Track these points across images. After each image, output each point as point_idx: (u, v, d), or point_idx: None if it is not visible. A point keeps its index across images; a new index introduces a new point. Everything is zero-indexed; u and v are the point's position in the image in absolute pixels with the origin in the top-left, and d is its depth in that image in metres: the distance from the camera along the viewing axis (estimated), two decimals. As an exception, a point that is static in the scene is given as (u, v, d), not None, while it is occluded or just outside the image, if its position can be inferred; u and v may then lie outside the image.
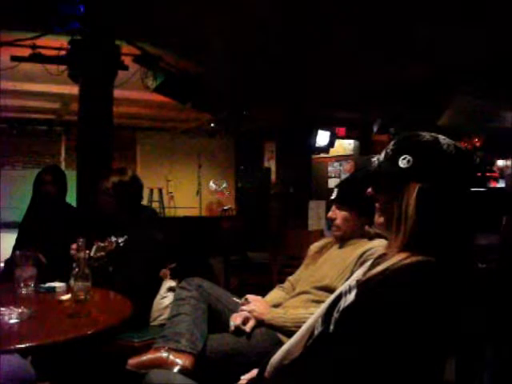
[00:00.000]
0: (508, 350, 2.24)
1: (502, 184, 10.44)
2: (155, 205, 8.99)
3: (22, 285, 2.01)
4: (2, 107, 6.93)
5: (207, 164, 10.01)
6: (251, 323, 1.90)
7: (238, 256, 5.64)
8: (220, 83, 6.28)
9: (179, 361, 1.75)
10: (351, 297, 1.10)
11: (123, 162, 8.31)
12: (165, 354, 1.78)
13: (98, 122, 4.50)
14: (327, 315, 1.15)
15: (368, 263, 1.21)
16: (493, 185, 10.34)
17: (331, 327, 1.11)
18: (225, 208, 8.81)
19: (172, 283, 2.57)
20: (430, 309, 1.01)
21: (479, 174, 8.97)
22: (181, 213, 9.08)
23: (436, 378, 1.07)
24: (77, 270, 1.84)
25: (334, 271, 1.96)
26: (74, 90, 4.85)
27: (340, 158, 10.36)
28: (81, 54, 4.40)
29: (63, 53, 4.55)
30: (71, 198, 3.65)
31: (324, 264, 2.06)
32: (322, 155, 9.68)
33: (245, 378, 1.41)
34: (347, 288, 1.15)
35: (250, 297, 2.03)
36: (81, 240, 1.90)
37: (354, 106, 7.70)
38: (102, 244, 2.49)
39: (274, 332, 1.88)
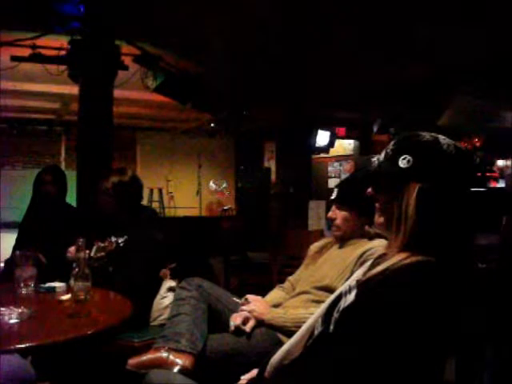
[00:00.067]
0: (508, 349, 2.24)
1: (502, 184, 10.44)
2: (155, 205, 8.99)
3: (22, 285, 2.01)
4: (2, 107, 6.93)
5: (207, 164, 10.02)
6: (251, 323, 1.90)
7: (238, 256, 5.64)
8: (220, 83, 6.28)
9: (179, 361, 1.75)
10: (351, 297, 1.10)
11: (123, 162, 8.31)
12: (165, 354, 1.78)
13: (98, 122, 4.50)
14: (327, 315, 1.15)
15: (368, 263, 1.21)
16: (493, 185, 10.34)
17: (331, 327, 1.11)
18: (225, 208, 8.81)
19: (172, 283, 2.57)
20: (429, 309, 1.01)
21: (479, 174, 8.97)
22: (181, 213, 9.08)
23: (436, 377, 1.07)
24: (77, 269, 1.84)
25: (334, 271, 1.96)
26: (74, 90, 4.85)
27: (340, 158, 10.36)
28: (81, 54, 4.40)
29: (63, 53, 4.55)
30: (71, 198, 3.65)
31: (324, 264, 2.06)
32: (322, 155, 9.68)
33: (245, 378, 1.41)
34: (347, 288, 1.15)
35: (249, 297, 2.03)
36: (81, 240, 1.90)
37: (353, 106, 7.70)
38: (102, 244, 2.49)
39: (274, 332, 1.88)
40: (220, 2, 4.02)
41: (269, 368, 1.27)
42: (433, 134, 1.15)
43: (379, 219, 1.17)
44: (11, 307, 1.72)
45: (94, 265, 2.36)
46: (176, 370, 1.72)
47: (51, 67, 4.76)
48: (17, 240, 3.24)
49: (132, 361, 1.80)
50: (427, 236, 1.07)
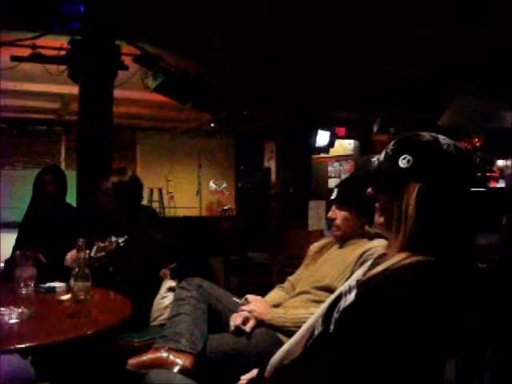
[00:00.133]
0: (508, 349, 2.24)
1: (502, 184, 10.44)
2: (155, 205, 8.99)
3: (22, 285, 2.01)
4: (2, 107, 6.93)
5: (207, 164, 10.02)
6: (251, 323, 1.90)
7: (238, 256, 5.64)
8: (220, 83, 6.28)
9: (179, 361, 1.75)
10: (351, 297, 1.10)
11: (123, 162, 8.31)
12: (165, 354, 1.78)
13: (98, 122, 4.50)
14: (327, 315, 1.15)
15: (368, 263, 1.21)
16: (493, 185, 10.34)
17: (331, 327, 1.11)
18: (225, 208, 8.81)
19: (172, 283, 2.57)
20: (429, 309, 1.01)
21: (479, 174, 8.97)
22: (181, 213, 9.08)
23: (436, 377, 1.07)
24: (77, 269, 1.84)
25: (334, 271, 1.96)
26: (74, 89, 4.85)
27: (340, 158, 10.36)
28: (81, 54, 4.40)
29: (63, 53, 4.55)
30: (71, 198, 3.65)
31: (324, 264, 2.06)
32: (322, 155, 9.67)
33: (245, 377, 1.41)
34: (347, 288, 1.15)
35: (249, 297, 2.03)
36: (81, 240, 1.90)
37: (354, 106, 7.70)
38: (103, 244, 2.49)
39: (274, 332, 1.88)
40: (220, 2, 4.02)
41: (269, 368, 1.27)
42: (433, 134, 1.15)
43: (379, 219, 1.17)
44: (11, 307, 1.72)
45: (94, 265, 2.36)
46: (176, 370, 1.72)
47: (51, 67, 4.76)
48: (17, 240, 3.24)
49: (132, 361, 1.80)
50: (427, 236, 1.07)
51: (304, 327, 1.24)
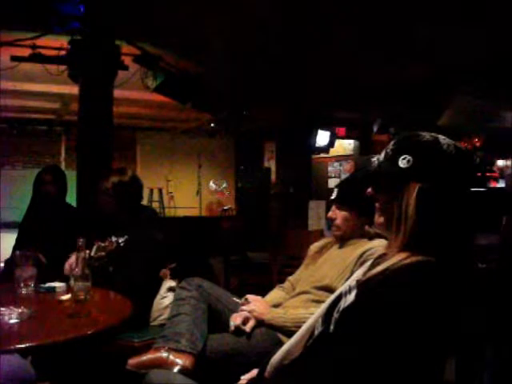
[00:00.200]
0: (508, 349, 2.24)
1: (502, 184, 10.44)
2: (155, 205, 8.99)
3: (22, 285, 2.01)
4: (2, 107, 6.93)
5: (207, 164, 10.02)
6: (251, 323, 1.90)
7: (238, 256, 5.64)
8: (220, 83, 6.28)
9: (179, 361, 1.75)
10: (351, 297, 1.10)
11: (123, 162, 8.31)
12: (165, 354, 1.78)
13: (98, 122, 4.50)
14: (327, 315, 1.15)
15: (368, 263, 1.21)
16: (493, 185, 10.34)
17: (331, 327, 1.11)
18: (225, 208, 8.81)
19: (172, 283, 2.57)
20: (429, 309, 1.01)
21: (479, 174, 8.97)
22: (181, 213, 9.08)
23: (436, 377, 1.07)
24: (77, 269, 1.84)
25: (334, 271, 1.96)
26: (74, 89, 4.85)
27: (340, 158, 10.36)
28: (81, 54, 4.40)
29: (63, 53, 4.55)
30: (71, 198, 3.65)
31: (324, 264, 2.06)
32: (322, 155, 9.67)
33: (245, 377, 1.41)
34: (347, 288, 1.15)
35: (249, 297, 2.03)
36: (81, 240, 1.90)
37: (354, 106, 7.70)
38: (103, 244, 2.49)
39: (274, 332, 1.88)
40: (220, 2, 4.02)
41: (269, 368, 1.27)
42: (433, 134, 1.15)
43: (379, 219, 1.17)
44: (11, 307, 1.71)
45: (95, 264, 2.36)
46: (176, 370, 1.72)
47: (51, 67, 4.76)
48: (17, 240, 3.24)
49: (132, 361, 1.80)
50: (427, 236, 1.07)
51: (304, 327, 1.24)
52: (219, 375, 1.77)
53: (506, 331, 2.28)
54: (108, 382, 2.16)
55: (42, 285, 2.15)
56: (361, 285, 1.10)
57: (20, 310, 1.69)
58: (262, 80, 6.12)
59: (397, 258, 1.06)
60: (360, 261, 1.86)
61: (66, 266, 2.42)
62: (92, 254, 2.45)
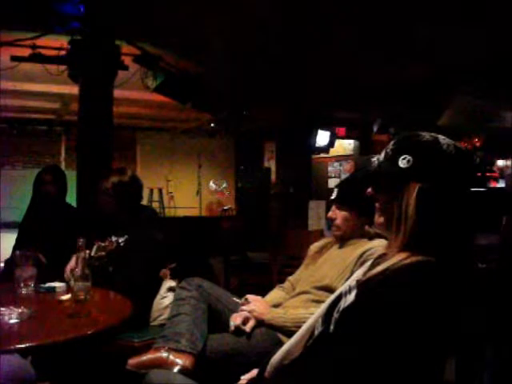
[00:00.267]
0: (508, 349, 2.24)
1: (502, 184, 10.44)
2: (155, 205, 8.99)
3: (22, 285, 2.01)
4: (2, 107, 6.93)
5: (207, 164, 10.02)
6: (251, 323, 1.90)
7: (238, 256, 5.64)
8: (220, 83, 6.28)
9: (179, 361, 1.75)
10: (351, 297, 1.10)
11: (123, 162, 8.31)
12: (165, 354, 1.78)
13: (98, 122, 4.50)
14: (327, 315, 1.15)
15: (368, 263, 1.21)
16: (493, 185, 10.34)
17: (331, 327, 1.11)
18: (225, 208, 8.81)
19: (172, 283, 2.57)
20: (429, 309, 1.01)
21: (479, 174, 8.97)
22: (181, 213, 9.08)
23: (436, 377, 1.07)
24: (77, 269, 1.84)
25: (334, 271, 1.96)
26: (74, 89, 4.85)
27: (340, 158, 10.36)
28: (81, 54, 4.40)
29: (63, 53, 4.55)
30: (71, 198, 3.65)
31: (324, 264, 2.06)
32: (322, 155, 9.67)
33: (245, 378, 1.41)
34: (347, 288, 1.15)
35: (249, 297, 2.03)
36: (81, 240, 1.90)
37: (354, 106, 7.70)
38: (103, 244, 2.49)
39: (274, 332, 1.88)
40: (220, 2, 4.02)
41: (269, 368, 1.27)
42: (433, 134, 1.15)
43: (379, 219, 1.17)
44: (11, 307, 1.71)
45: (95, 264, 2.36)
46: (176, 370, 1.72)
47: (51, 67, 4.76)
48: (17, 240, 3.24)
49: (132, 361, 1.80)
50: (427, 236, 1.07)
51: (304, 327, 1.24)
52: (219, 375, 1.77)
53: (506, 331, 2.28)
54: (108, 382, 2.16)
55: (42, 285, 2.15)
56: (361, 285, 1.10)
57: (20, 310, 1.69)
58: (262, 80, 6.12)
59: (397, 258, 1.06)
60: (360, 261, 1.86)
61: (67, 270, 2.42)
62: (92, 253, 2.45)
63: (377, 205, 1.18)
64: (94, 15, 4.24)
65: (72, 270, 2.11)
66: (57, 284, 2.18)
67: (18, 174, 8.52)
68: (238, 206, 10.06)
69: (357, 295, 1.08)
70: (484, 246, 3.41)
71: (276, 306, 2.05)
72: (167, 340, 1.83)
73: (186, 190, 9.73)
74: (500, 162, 11.03)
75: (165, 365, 1.74)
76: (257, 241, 5.95)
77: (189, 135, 10.08)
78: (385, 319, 0.99)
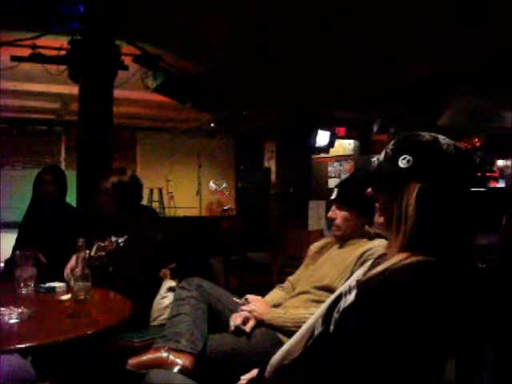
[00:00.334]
0: (508, 349, 2.24)
1: (502, 184, 10.44)
2: (155, 205, 8.99)
3: (22, 285, 2.01)
4: (2, 107, 6.93)
5: (207, 164, 10.02)
6: (251, 323, 1.90)
7: (238, 256, 5.64)
8: (220, 83, 6.28)
9: (179, 361, 1.75)
10: (351, 297, 1.10)
11: (123, 162, 8.32)
12: (165, 354, 1.78)
13: (98, 122, 4.51)
14: (327, 315, 1.15)
15: (368, 263, 1.21)
16: (493, 185, 10.34)
17: (331, 327, 1.11)
18: (225, 208, 8.82)
19: (172, 283, 2.57)
20: (429, 309, 1.01)
21: (479, 174, 8.97)
22: (181, 213, 9.08)
23: (436, 377, 1.07)
24: (77, 269, 1.84)
25: (334, 271, 1.96)
26: (74, 90, 4.85)
27: (340, 158, 10.36)
28: (81, 54, 4.40)
29: (63, 53, 4.56)
30: (71, 198, 3.65)
31: (324, 264, 2.06)
32: (322, 155, 9.68)
33: (245, 377, 1.41)
34: (347, 288, 1.15)
35: (249, 297, 2.03)
36: (81, 240, 1.90)
37: (354, 106, 7.70)
38: (103, 244, 2.50)
39: (274, 332, 1.88)
40: (220, 2, 4.02)
41: (269, 368, 1.27)
42: (433, 134, 1.15)
43: (379, 219, 1.17)
44: (11, 307, 1.71)
45: (95, 264, 2.36)
46: (176, 370, 1.72)
47: (51, 67, 4.76)
48: (17, 240, 3.24)
49: (132, 361, 1.80)
50: (427, 236, 1.07)
51: (304, 327, 1.24)
52: (219, 375, 1.77)
53: (506, 331, 2.28)
54: (108, 382, 2.16)
55: (42, 285, 2.15)
56: (361, 285, 1.10)
57: (20, 310, 1.69)
58: (262, 80, 6.12)
59: (397, 258, 1.06)
60: (360, 261, 1.86)
61: (67, 270, 2.42)
62: (92, 253, 2.45)
63: (377, 205, 1.18)
64: (93, 15, 4.23)
65: (72, 270, 2.11)
66: (57, 284, 2.18)
67: (18, 174, 8.52)
68: (238, 206, 10.06)
69: (357, 295, 1.08)
70: (484, 246, 3.41)
71: (276, 306, 2.05)
72: (167, 340, 1.83)
73: (185, 190, 9.73)
74: (500, 162, 11.03)
75: (165, 365, 1.74)
76: (257, 241, 5.95)
77: (189, 135, 10.08)
78: (385, 319, 0.99)
